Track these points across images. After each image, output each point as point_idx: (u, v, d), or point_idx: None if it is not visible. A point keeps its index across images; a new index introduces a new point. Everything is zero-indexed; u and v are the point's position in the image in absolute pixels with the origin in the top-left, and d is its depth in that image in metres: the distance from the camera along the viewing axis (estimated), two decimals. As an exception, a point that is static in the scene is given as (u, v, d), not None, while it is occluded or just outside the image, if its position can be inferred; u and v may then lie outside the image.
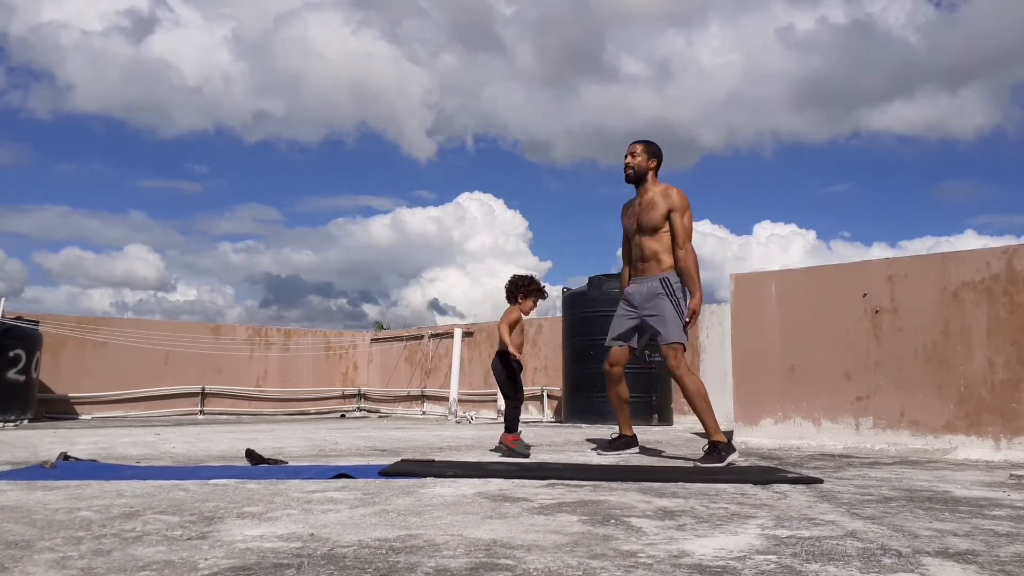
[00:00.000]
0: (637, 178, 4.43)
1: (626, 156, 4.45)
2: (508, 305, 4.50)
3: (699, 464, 3.91)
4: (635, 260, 4.41)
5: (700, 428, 6.05)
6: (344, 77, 31.17)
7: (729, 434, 5.59)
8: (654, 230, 4.29)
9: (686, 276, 4.22)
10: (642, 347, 4.48)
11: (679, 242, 4.24)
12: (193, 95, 29.13)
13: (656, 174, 4.44)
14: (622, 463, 3.98)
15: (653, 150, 4.44)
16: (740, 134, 32.60)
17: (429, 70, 32.41)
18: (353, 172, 34.63)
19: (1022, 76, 30.62)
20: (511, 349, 4.35)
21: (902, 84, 30.49)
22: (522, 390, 4.49)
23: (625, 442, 4.56)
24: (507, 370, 4.40)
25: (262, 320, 21.46)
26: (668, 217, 4.27)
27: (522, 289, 4.44)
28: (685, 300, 4.22)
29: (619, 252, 4.64)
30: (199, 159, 32.60)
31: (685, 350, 4.22)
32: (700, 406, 4.14)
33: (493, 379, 4.61)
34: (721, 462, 3.88)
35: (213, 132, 31.70)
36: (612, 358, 4.45)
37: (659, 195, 4.32)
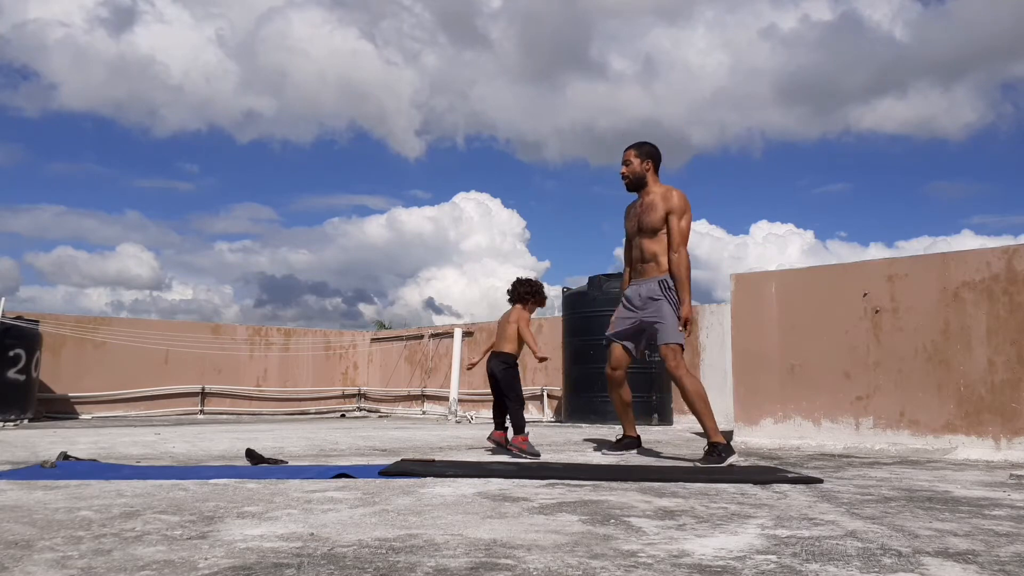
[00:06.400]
0: (636, 184, 4.44)
1: (621, 166, 4.46)
2: (515, 306, 4.51)
3: (699, 464, 3.90)
4: (635, 262, 4.41)
5: (700, 428, 6.03)
6: (333, 76, 31.06)
7: (729, 434, 5.59)
8: (653, 231, 4.29)
9: (677, 281, 4.21)
10: (641, 352, 4.48)
11: (673, 245, 4.23)
12: (182, 94, 29.01)
13: (656, 173, 4.43)
14: (623, 463, 3.98)
15: (646, 151, 4.43)
16: (730, 132, 32.44)
17: (417, 69, 32.33)
18: (347, 172, 34.54)
19: (1013, 72, 30.38)
20: (536, 349, 4.38)
21: (891, 81, 30.33)
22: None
23: (629, 442, 4.58)
24: (512, 371, 4.42)
25: (257, 319, 21.44)
26: (667, 219, 4.27)
27: (536, 295, 4.51)
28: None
29: (617, 252, 4.66)
30: (193, 158, 32.50)
31: (683, 350, 4.22)
32: (700, 407, 4.12)
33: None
34: (721, 463, 3.88)
35: (206, 131, 31.60)
36: (613, 362, 4.45)
37: (659, 197, 4.32)
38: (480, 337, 10.32)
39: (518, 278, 4.58)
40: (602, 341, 4.61)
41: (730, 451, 4.01)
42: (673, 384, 7.51)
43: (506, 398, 4.37)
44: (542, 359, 4.39)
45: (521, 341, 4.43)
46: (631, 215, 4.48)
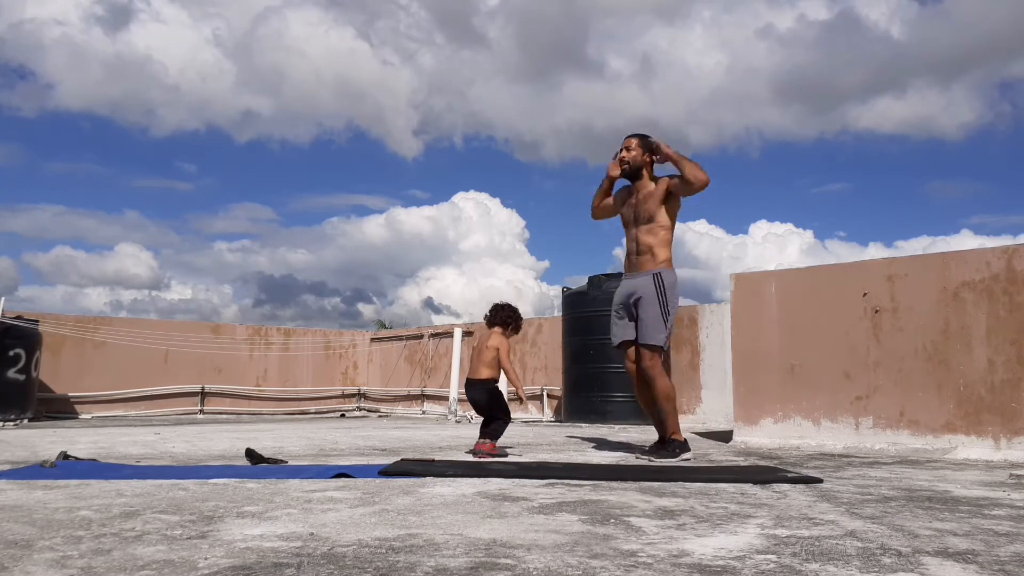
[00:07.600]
0: (633, 172, 4.43)
1: (621, 150, 4.45)
2: (494, 330, 4.49)
3: (643, 456, 4.03)
4: (629, 253, 4.41)
5: (699, 428, 6.02)
6: (330, 75, 31.01)
7: (729, 433, 5.59)
8: (650, 219, 4.29)
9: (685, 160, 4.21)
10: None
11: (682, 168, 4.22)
12: (179, 93, 28.96)
13: (652, 168, 4.44)
14: (622, 463, 3.98)
15: (648, 144, 4.43)
16: (728, 132, 32.35)
17: (414, 69, 32.29)
18: (346, 172, 34.52)
19: (1011, 72, 30.27)
20: (520, 386, 4.40)
21: (888, 80, 30.26)
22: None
23: (677, 446, 4.20)
24: (496, 396, 4.42)
25: (256, 319, 21.42)
26: (665, 197, 4.27)
27: (516, 324, 4.54)
28: (674, 302, 4.24)
29: (617, 251, 4.67)
30: (191, 158, 32.45)
31: (663, 351, 4.24)
32: (666, 407, 4.19)
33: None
34: (674, 457, 3.99)
35: (204, 131, 31.55)
36: (631, 355, 4.37)
37: (656, 185, 4.35)
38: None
39: (497, 304, 4.58)
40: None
41: (685, 448, 4.10)
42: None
43: (495, 419, 4.37)
44: (521, 400, 4.41)
45: (499, 366, 4.40)
46: (627, 204, 4.46)
